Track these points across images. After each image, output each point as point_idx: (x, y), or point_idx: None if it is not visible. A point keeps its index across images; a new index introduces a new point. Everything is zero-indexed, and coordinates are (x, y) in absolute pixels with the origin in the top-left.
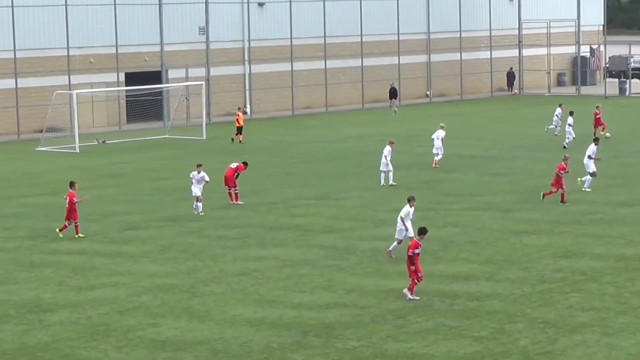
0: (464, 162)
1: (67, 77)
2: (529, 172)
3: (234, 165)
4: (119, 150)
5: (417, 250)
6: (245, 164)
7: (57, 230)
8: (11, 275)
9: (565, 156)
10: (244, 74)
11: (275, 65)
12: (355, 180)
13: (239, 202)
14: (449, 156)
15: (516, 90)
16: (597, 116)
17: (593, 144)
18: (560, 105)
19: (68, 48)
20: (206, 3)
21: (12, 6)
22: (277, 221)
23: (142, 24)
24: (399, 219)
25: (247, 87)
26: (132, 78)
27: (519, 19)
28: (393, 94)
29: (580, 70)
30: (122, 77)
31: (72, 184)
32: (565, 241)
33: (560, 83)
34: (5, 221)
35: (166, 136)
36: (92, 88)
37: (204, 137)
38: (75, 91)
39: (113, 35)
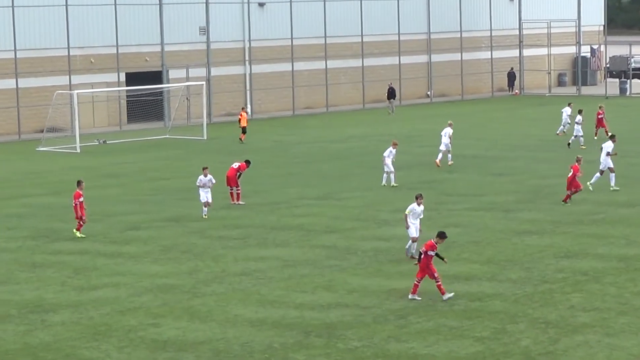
0: (465, 162)
1: (67, 77)
2: (531, 172)
3: (235, 165)
4: (120, 151)
5: (430, 252)
6: (247, 162)
7: (75, 231)
8: (13, 275)
9: (577, 157)
10: (245, 74)
11: (275, 66)
12: (357, 180)
13: (240, 202)
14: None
15: (517, 91)
16: (600, 116)
17: (610, 141)
18: (569, 105)
19: (69, 48)
20: (207, 3)
21: (13, 6)
22: (279, 221)
23: (142, 24)
24: (404, 217)
25: (247, 87)
26: (132, 78)
27: (520, 19)
28: (391, 94)
29: (580, 71)
30: (122, 77)
31: (78, 183)
32: (567, 241)
33: (560, 83)
34: (7, 221)
35: (167, 136)
36: (92, 88)
37: (205, 137)
38: (76, 91)
39: (114, 35)
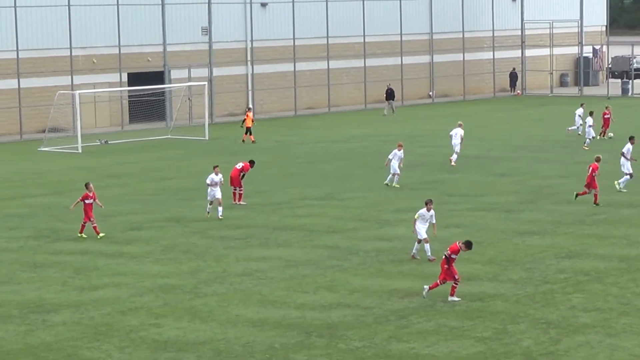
0: (467, 163)
1: (69, 77)
2: (532, 172)
3: (239, 165)
4: (122, 151)
5: (453, 256)
6: (251, 163)
7: (97, 235)
8: (14, 275)
9: (597, 157)
10: (247, 75)
11: (278, 66)
12: (359, 180)
13: (242, 203)
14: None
15: (519, 91)
16: (606, 116)
17: (629, 143)
18: (582, 105)
19: (71, 48)
20: (209, 3)
21: (15, 6)
22: (281, 221)
23: (144, 24)
24: (413, 221)
25: (249, 88)
26: (134, 78)
27: (522, 20)
28: (390, 95)
29: (582, 71)
30: (124, 78)
31: (86, 185)
32: (568, 242)
33: (562, 84)
34: (9, 221)
35: (169, 136)
36: (94, 88)
37: (207, 138)
38: (78, 91)
39: (116, 36)
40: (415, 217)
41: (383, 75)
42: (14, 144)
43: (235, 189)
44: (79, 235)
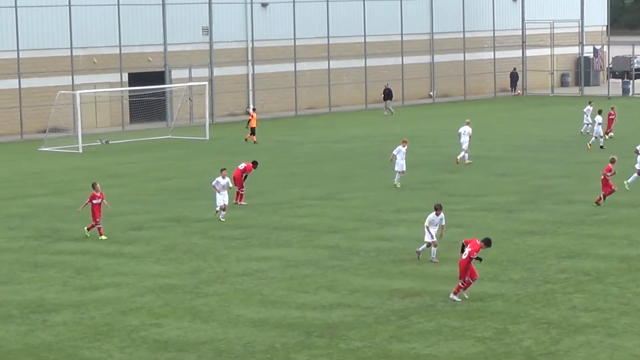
0: (469, 165)
1: (70, 77)
2: (533, 172)
3: (242, 166)
4: (122, 151)
5: (474, 255)
6: (254, 163)
7: (99, 235)
8: (15, 275)
9: (612, 158)
10: (248, 75)
11: (278, 66)
12: (359, 180)
13: (242, 203)
14: (452, 156)
15: (519, 91)
16: (611, 117)
17: None
18: (589, 103)
19: (71, 48)
20: (210, 3)
21: (16, 6)
22: (282, 221)
23: (145, 24)
24: (425, 227)
25: (250, 88)
26: (135, 78)
27: (523, 20)
28: (388, 95)
29: (583, 71)
30: (125, 78)
31: (93, 185)
32: (569, 242)
33: (563, 84)
34: (10, 221)
35: (169, 136)
36: (95, 88)
37: (207, 138)
38: (79, 91)
39: (116, 36)
40: (427, 224)
41: (384, 75)
42: (15, 144)
43: (237, 189)
44: (87, 234)
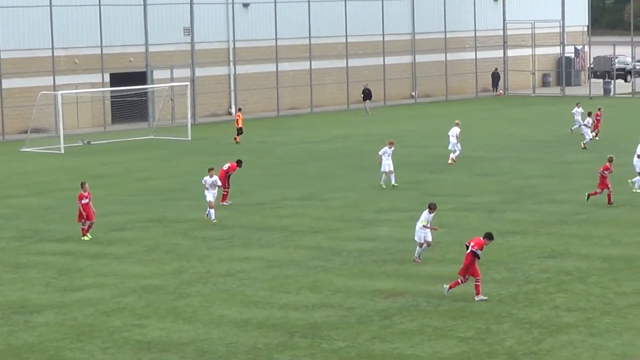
0: (451, 164)
1: (52, 77)
2: (516, 172)
3: (226, 166)
4: (104, 151)
5: (479, 252)
6: (238, 162)
7: (82, 236)
8: None
9: (610, 157)
10: (229, 75)
11: (260, 66)
12: (341, 180)
13: (224, 203)
14: (434, 156)
15: (501, 91)
16: (598, 117)
17: None
18: (577, 105)
19: (53, 49)
20: (191, 4)
21: None
22: (264, 222)
23: (127, 24)
24: (419, 226)
25: (232, 88)
26: (117, 79)
27: (504, 20)
28: (367, 95)
29: (564, 71)
30: (107, 78)
31: (81, 185)
32: (550, 242)
33: (545, 84)
34: None
35: (151, 137)
36: (77, 89)
37: (189, 138)
38: (60, 92)
39: (98, 36)
40: (424, 223)
41: (365, 76)
42: None
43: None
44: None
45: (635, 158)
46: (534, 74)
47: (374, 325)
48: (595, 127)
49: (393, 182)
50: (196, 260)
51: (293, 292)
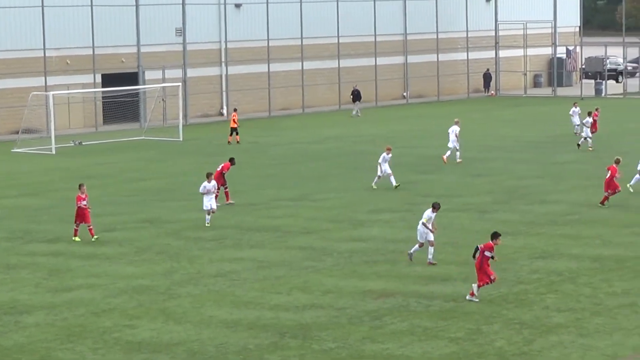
0: (442, 163)
1: (43, 78)
2: (508, 173)
3: (219, 167)
4: (96, 152)
5: (488, 253)
6: (231, 160)
7: (74, 236)
8: None
9: (617, 158)
10: (221, 75)
11: (252, 67)
12: (333, 181)
13: (230, 202)
14: (426, 157)
15: (493, 92)
16: (595, 118)
17: None
18: (574, 105)
19: (44, 49)
20: (183, 4)
21: None
22: (255, 222)
23: (118, 25)
24: (420, 224)
25: (224, 89)
26: (108, 79)
27: (496, 20)
28: (357, 96)
29: (556, 72)
30: (98, 79)
31: (79, 186)
32: (541, 242)
33: (536, 84)
34: None
35: (143, 137)
36: (68, 89)
37: (181, 139)
38: (52, 92)
39: (90, 37)
40: (425, 220)
41: (357, 76)
42: None
43: (225, 188)
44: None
45: None
46: (525, 74)
47: (365, 326)
48: (593, 127)
49: (394, 183)
50: (187, 261)
51: (284, 292)
